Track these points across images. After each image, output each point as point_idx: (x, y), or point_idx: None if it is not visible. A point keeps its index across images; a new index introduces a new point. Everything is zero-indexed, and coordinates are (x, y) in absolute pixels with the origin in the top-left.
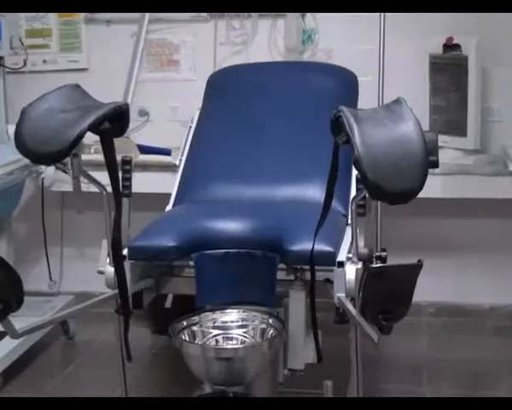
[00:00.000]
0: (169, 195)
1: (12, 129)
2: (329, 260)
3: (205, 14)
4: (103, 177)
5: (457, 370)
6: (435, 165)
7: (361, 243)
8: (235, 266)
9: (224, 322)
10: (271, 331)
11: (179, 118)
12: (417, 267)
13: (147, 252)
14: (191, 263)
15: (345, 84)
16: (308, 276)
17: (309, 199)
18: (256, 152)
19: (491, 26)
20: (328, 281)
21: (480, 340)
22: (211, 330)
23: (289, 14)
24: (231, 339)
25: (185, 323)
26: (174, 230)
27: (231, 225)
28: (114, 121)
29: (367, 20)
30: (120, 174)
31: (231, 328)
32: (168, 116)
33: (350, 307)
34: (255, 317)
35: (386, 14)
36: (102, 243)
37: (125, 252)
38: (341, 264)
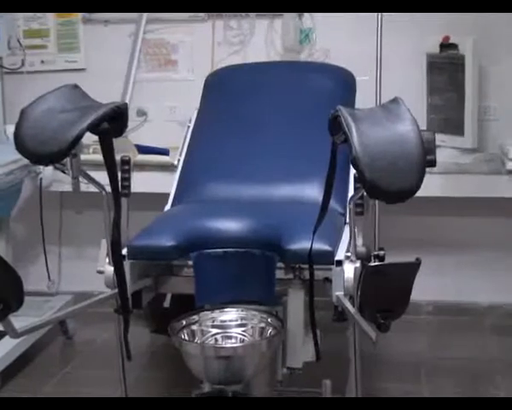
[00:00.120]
0: (167, 194)
1: (10, 129)
2: (328, 258)
3: (202, 14)
4: (102, 177)
5: (456, 368)
6: (433, 164)
7: (359, 241)
8: (233, 265)
9: (223, 321)
10: (270, 330)
11: (177, 118)
12: (415, 266)
13: (146, 251)
14: (190, 262)
15: (342, 83)
16: (307, 275)
17: (307, 198)
18: (254, 152)
19: (488, 26)
20: (327, 280)
21: (479, 338)
22: (210, 329)
23: (287, 14)
24: (230, 338)
25: (184, 322)
26: (173, 229)
27: (230, 225)
28: (113, 121)
29: (364, 20)
30: (119, 174)
31: (230, 327)
32: (166, 116)
33: (348, 305)
34: (254, 316)
35: (384, 13)
36: (102, 243)
37: (124, 251)
38: (340, 263)
